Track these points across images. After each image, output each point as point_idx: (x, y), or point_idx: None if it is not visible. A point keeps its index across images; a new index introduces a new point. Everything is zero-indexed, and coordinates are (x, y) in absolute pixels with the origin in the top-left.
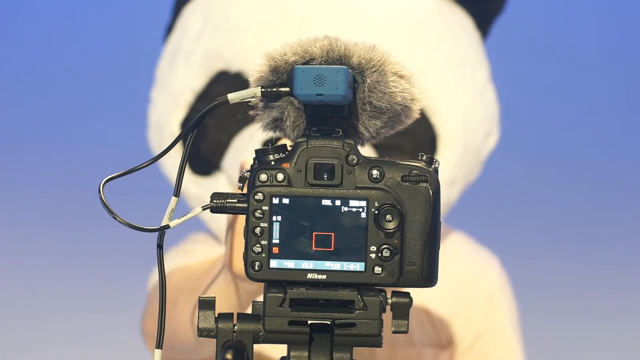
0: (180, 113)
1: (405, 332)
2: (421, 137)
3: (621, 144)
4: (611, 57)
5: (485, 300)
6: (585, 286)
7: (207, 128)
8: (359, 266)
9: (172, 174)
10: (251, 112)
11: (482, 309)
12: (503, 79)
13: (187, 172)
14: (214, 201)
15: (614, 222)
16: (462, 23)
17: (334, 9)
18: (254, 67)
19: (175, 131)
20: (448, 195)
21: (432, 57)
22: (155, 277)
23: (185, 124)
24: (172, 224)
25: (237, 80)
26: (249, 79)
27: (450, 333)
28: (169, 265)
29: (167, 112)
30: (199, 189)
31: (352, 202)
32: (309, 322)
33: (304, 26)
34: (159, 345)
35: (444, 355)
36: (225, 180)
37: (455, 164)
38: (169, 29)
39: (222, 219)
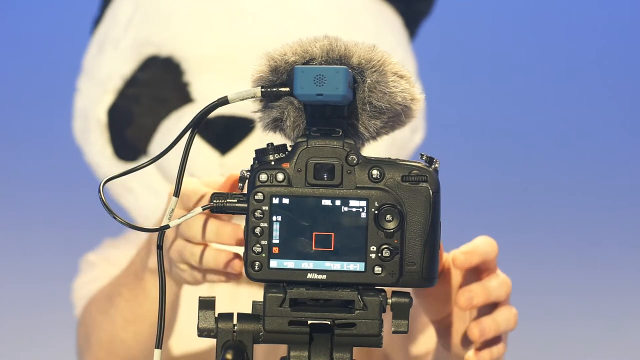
0: (108, 99)
1: (405, 332)
2: None
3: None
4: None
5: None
6: (581, 288)
7: (133, 113)
8: (359, 266)
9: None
10: (252, 112)
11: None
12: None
13: (112, 157)
14: (214, 201)
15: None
16: (391, 20)
17: None
18: (254, 67)
19: (102, 118)
20: None
21: None
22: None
23: (112, 109)
24: (172, 223)
25: (168, 64)
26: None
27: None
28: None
29: (94, 100)
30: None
31: (352, 202)
32: (309, 322)
33: (236, 12)
34: (158, 345)
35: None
36: (152, 166)
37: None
38: (97, 21)
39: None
